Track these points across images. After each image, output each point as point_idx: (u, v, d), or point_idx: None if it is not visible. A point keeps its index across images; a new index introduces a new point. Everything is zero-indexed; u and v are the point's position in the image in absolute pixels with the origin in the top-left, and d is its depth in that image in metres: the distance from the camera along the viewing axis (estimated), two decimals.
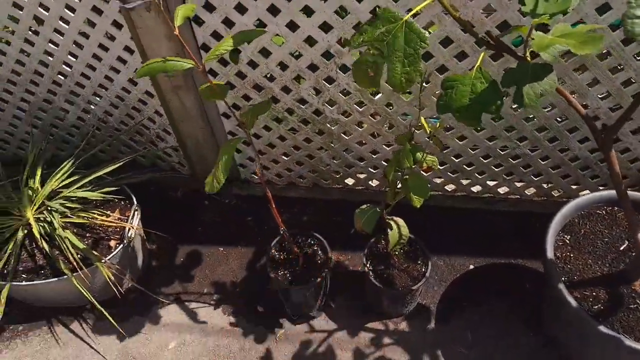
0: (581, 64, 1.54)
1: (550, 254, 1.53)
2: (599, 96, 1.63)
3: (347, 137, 1.94)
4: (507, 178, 1.99)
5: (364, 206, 1.50)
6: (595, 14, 1.41)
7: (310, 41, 1.63)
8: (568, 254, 1.60)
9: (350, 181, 2.19)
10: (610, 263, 1.58)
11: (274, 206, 1.56)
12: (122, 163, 1.99)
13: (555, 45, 1.07)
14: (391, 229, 1.51)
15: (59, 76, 1.99)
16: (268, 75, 1.78)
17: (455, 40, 1.54)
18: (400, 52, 0.99)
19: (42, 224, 1.81)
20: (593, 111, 1.66)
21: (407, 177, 1.38)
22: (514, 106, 1.68)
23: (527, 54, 1.05)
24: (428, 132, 1.30)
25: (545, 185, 2.00)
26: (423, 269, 1.71)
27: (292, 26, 1.60)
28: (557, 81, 1.03)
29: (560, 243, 1.63)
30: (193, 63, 1.12)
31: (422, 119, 1.27)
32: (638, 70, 1.52)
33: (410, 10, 1.48)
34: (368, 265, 1.74)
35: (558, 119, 1.74)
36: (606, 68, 1.53)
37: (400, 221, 1.53)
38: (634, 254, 1.58)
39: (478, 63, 1.05)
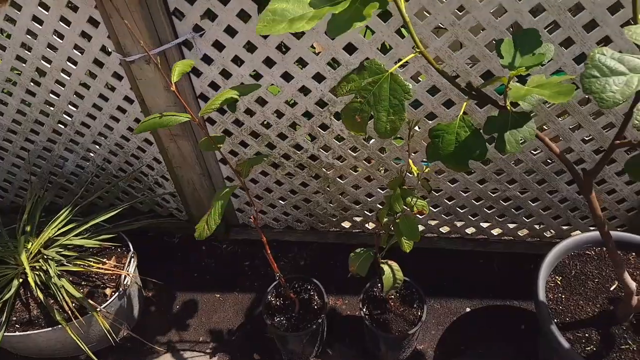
0: (563, 110, 1.61)
1: (541, 296, 1.55)
2: (586, 137, 1.69)
3: (342, 181, 1.99)
4: (500, 220, 2.03)
5: (358, 250, 1.53)
6: (573, 64, 1.49)
7: (304, 90, 1.70)
8: (559, 295, 1.62)
9: (346, 224, 2.22)
10: (601, 303, 1.59)
11: (269, 251, 1.58)
12: (119, 210, 2.02)
13: (533, 95, 1.14)
14: (384, 273, 1.53)
15: (60, 125, 2.04)
16: (264, 123, 1.84)
17: (441, 89, 1.61)
18: (386, 101, 1.04)
19: (37, 273, 1.82)
20: (577, 154, 1.71)
21: (399, 220, 1.41)
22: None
23: (508, 103, 1.11)
24: (416, 174, 1.33)
25: (537, 227, 2.03)
26: (419, 313, 1.72)
27: (287, 76, 1.67)
28: (535, 128, 1.09)
29: (552, 284, 1.65)
30: (188, 117, 1.17)
31: (411, 162, 1.32)
32: (618, 115, 1.58)
33: (399, 60, 1.57)
34: (364, 309, 1.75)
35: (548, 160, 1.79)
36: (587, 113, 1.60)
37: (395, 265, 1.56)
38: (623, 294, 1.60)
39: (460, 113, 1.10)
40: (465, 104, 1.17)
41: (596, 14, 1.37)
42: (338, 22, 0.93)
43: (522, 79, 1.21)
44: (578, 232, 2.01)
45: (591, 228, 1.99)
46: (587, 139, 1.69)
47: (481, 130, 1.09)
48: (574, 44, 1.44)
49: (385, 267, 1.54)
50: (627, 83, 0.84)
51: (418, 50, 1.06)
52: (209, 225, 1.23)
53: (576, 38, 1.42)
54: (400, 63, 1.07)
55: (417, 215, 1.99)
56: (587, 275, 1.66)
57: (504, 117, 1.09)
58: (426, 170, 1.37)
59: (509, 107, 1.10)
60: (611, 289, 1.62)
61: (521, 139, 1.07)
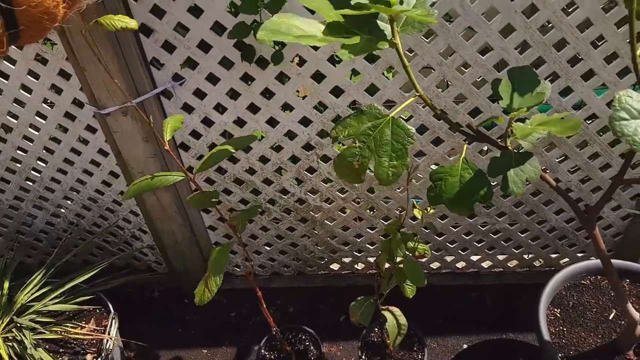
0: (550, 142, 1.62)
1: (545, 333, 1.52)
2: (571, 169, 1.70)
3: (330, 224, 1.93)
4: (490, 252, 2.02)
5: (359, 298, 1.48)
6: (558, 97, 1.51)
7: (290, 135, 1.66)
8: (561, 328, 1.61)
9: (335, 266, 2.15)
10: (602, 334, 1.58)
11: (264, 305, 1.51)
12: (97, 271, 1.90)
13: (534, 134, 1.13)
14: (387, 321, 1.47)
15: (28, 182, 1.92)
16: (248, 169, 1.78)
17: (430, 127, 1.60)
18: (388, 146, 1.01)
19: (10, 344, 1.67)
20: (565, 184, 1.73)
21: (402, 265, 1.37)
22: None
23: (508, 143, 1.10)
24: (420, 218, 1.30)
25: (526, 257, 2.03)
26: (420, 356, 1.67)
27: (272, 121, 1.63)
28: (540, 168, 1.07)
29: (552, 317, 1.63)
30: (182, 176, 1.11)
31: (415, 203, 1.29)
32: (603, 144, 1.60)
33: (386, 101, 1.55)
34: (364, 357, 1.68)
35: (536, 190, 1.79)
36: (573, 144, 1.62)
37: (397, 310, 1.51)
38: (623, 322, 1.60)
39: (463, 154, 1.08)
40: (465, 146, 1.16)
41: (580, 49, 1.39)
42: (354, 47, 0.91)
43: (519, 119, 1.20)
44: (567, 259, 2.02)
45: (579, 255, 2.00)
46: (572, 169, 1.71)
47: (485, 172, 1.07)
48: (559, 78, 1.46)
49: (388, 315, 1.48)
50: None
51: (418, 94, 1.04)
52: (210, 289, 1.15)
53: (561, 72, 1.44)
54: (402, 107, 1.05)
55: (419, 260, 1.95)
56: (585, 306, 1.65)
57: (507, 157, 1.07)
58: (430, 212, 1.33)
59: (509, 147, 1.09)
60: (610, 317, 1.62)
61: (526, 179, 1.05)
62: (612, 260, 1.70)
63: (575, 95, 1.50)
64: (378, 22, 0.98)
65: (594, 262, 1.71)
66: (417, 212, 1.28)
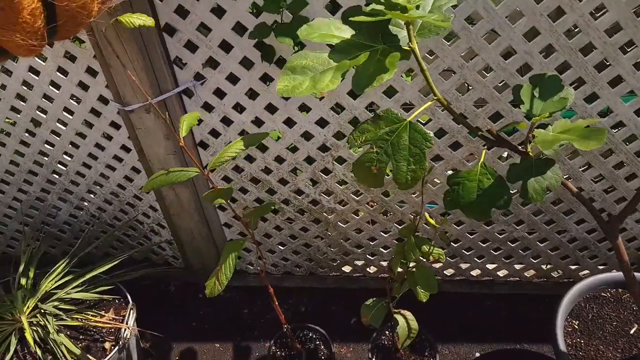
0: (573, 150, 1.59)
1: (562, 344, 1.49)
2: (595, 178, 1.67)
3: (344, 226, 1.93)
4: (507, 261, 1.99)
5: (370, 300, 1.47)
6: (584, 104, 1.48)
7: (306, 135, 1.67)
8: (578, 340, 1.57)
9: (347, 268, 2.15)
10: (622, 348, 1.54)
11: (277, 303, 1.52)
12: (117, 262, 1.94)
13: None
14: (398, 325, 1.47)
15: (54, 175, 1.98)
16: (264, 168, 1.80)
17: (449, 131, 1.59)
18: (405, 151, 1.00)
19: (35, 328, 1.73)
20: (588, 193, 1.69)
21: (414, 270, 1.36)
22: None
23: (529, 149, 1.08)
24: (435, 227, 1.29)
25: (544, 267, 1.99)
26: None
27: (289, 122, 1.64)
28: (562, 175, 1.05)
29: (570, 329, 1.60)
30: (197, 171, 1.13)
31: (427, 215, 1.28)
32: (629, 154, 1.56)
33: (404, 104, 1.55)
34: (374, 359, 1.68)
35: (557, 200, 1.75)
36: (597, 153, 1.58)
37: (409, 314, 1.50)
38: None
39: (482, 159, 1.07)
40: (484, 152, 1.14)
41: (608, 53, 1.36)
42: (362, 76, 0.90)
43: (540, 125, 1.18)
44: (587, 271, 1.97)
45: (600, 267, 1.95)
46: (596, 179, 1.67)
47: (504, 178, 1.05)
48: (585, 84, 1.43)
49: (399, 318, 1.47)
50: None
51: (436, 97, 1.04)
52: (220, 281, 1.17)
53: (587, 78, 1.41)
54: (419, 111, 1.04)
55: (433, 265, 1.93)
56: (605, 319, 1.61)
57: (527, 164, 1.06)
58: (443, 222, 1.32)
59: (530, 153, 1.07)
60: (631, 332, 1.58)
61: (547, 187, 1.03)
62: (636, 274, 1.67)
63: (601, 102, 1.46)
64: (393, 28, 0.97)
65: (615, 274, 1.67)
66: (430, 221, 1.27)
